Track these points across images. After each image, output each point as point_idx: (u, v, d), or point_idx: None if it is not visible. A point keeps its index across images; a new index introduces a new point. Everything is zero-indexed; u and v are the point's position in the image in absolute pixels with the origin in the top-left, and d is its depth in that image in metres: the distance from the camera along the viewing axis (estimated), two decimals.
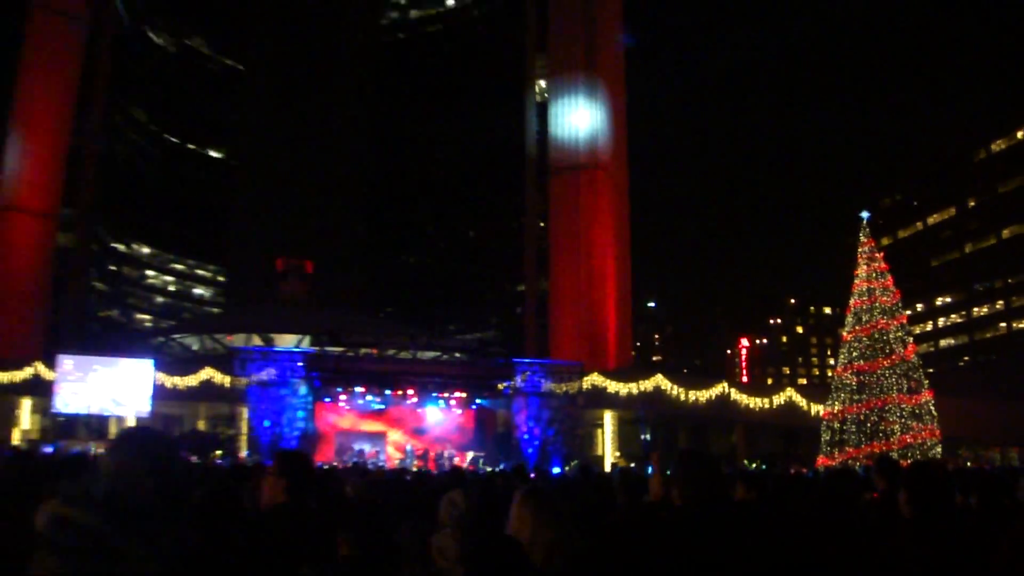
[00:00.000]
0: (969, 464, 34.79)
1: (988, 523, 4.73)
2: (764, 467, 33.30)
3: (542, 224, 60.81)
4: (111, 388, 37.58)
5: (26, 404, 42.27)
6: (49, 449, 31.21)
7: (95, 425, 42.09)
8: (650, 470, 6.84)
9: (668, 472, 5.05)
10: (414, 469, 28.68)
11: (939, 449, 25.53)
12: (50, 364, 39.50)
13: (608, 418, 42.30)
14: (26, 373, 41.17)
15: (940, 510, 4.44)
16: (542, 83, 62.98)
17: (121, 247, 76.23)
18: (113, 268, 74.81)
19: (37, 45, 59.90)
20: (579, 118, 58.68)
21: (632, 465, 33.93)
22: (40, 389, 40.02)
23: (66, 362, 38.44)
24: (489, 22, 76.46)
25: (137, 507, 2.49)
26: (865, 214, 28.10)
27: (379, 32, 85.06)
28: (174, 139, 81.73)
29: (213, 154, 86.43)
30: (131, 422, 40.45)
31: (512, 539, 3.28)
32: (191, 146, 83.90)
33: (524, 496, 3.47)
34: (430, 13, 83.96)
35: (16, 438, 39.22)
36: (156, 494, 2.58)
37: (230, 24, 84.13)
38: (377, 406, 37.04)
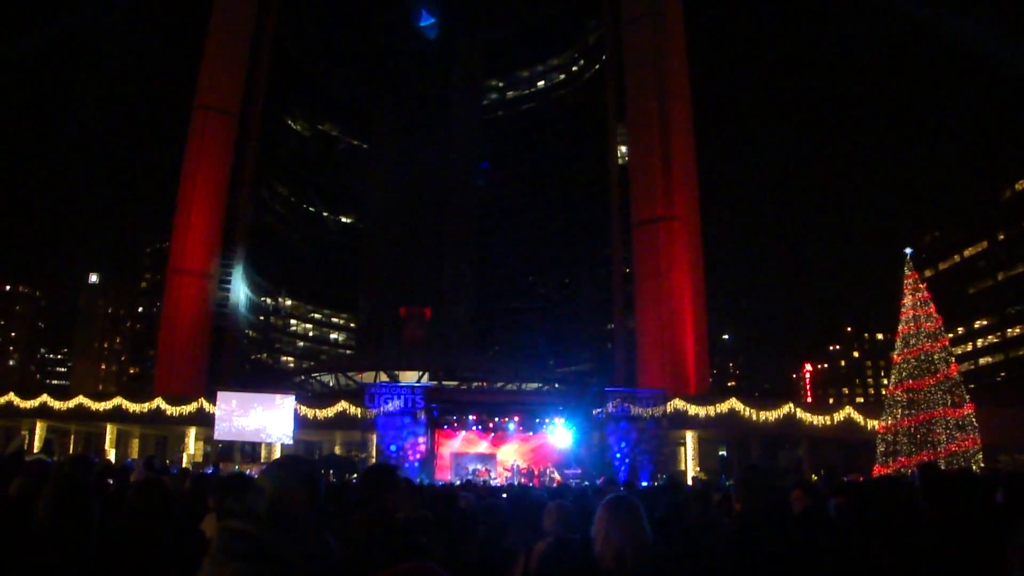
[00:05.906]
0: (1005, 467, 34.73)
1: (1010, 516, 5.08)
2: (823, 475, 34.53)
3: (627, 270, 63.52)
4: (261, 419, 42.14)
5: (192, 433, 47.23)
6: (209, 471, 35.12)
7: (248, 451, 46.92)
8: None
9: (729, 483, 5.86)
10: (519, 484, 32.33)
11: (980, 456, 26.24)
12: (212, 400, 43.45)
13: (689, 437, 44.59)
14: (192, 407, 45.30)
15: (952, 504, 4.88)
16: (623, 148, 66.19)
17: (268, 300, 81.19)
18: (262, 318, 79.64)
19: (198, 137, 66.29)
20: (657, 175, 61.44)
21: (707, 477, 35.48)
22: (204, 420, 44.27)
23: (225, 397, 42.73)
24: (575, 98, 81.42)
25: (293, 520, 2.81)
26: (909, 250, 29.07)
27: (482, 111, 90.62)
28: (311, 208, 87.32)
29: (344, 220, 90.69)
30: (278, 448, 45.66)
31: (575, 542, 3.56)
32: (326, 214, 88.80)
33: (604, 504, 3.51)
34: (524, 93, 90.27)
35: (184, 461, 43.36)
36: (308, 508, 2.91)
37: (355, 111, 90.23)
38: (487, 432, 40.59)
